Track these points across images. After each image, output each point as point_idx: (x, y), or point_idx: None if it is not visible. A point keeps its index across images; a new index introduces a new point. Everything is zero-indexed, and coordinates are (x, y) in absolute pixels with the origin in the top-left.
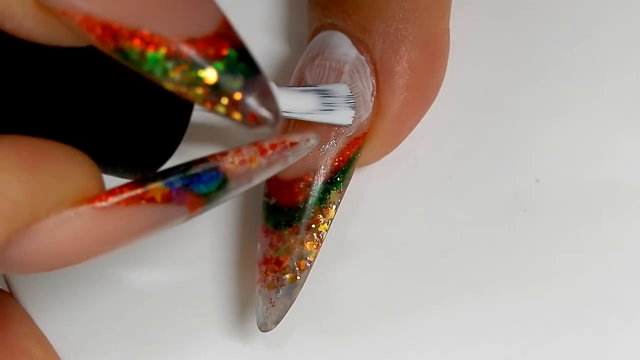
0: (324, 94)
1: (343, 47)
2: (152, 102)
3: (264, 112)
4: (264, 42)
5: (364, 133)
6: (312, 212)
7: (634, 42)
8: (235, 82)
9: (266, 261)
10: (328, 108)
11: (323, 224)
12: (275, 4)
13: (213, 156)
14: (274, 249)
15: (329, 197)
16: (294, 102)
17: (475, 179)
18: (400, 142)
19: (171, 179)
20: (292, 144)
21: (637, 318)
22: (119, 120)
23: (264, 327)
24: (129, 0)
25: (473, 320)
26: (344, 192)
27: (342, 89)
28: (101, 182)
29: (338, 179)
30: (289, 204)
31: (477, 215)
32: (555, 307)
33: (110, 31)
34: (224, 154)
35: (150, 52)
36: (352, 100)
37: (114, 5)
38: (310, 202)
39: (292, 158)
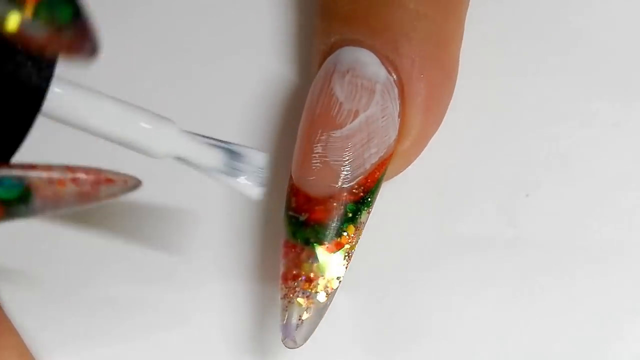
0: (233, 155)
1: (373, 66)
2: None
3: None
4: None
5: (390, 154)
6: (344, 231)
7: (627, 62)
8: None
9: (294, 277)
10: (231, 172)
11: (353, 243)
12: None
13: (22, 165)
14: (303, 266)
15: (360, 217)
16: (196, 154)
17: (464, 194)
18: (414, 160)
19: None
20: (108, 180)
21: (623, 336)
22: None
23: (291, 344)
24: None
25: (463, 332)
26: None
27: (257, 157)
28: None
29: (368, 199)
30: (319, 221)
31: (467, 230)
32: (544, 322)
33: None
34: (33, 166)
35: None
36: (262, 173)
37: None
38: (343, 220)
39: (105, 195)
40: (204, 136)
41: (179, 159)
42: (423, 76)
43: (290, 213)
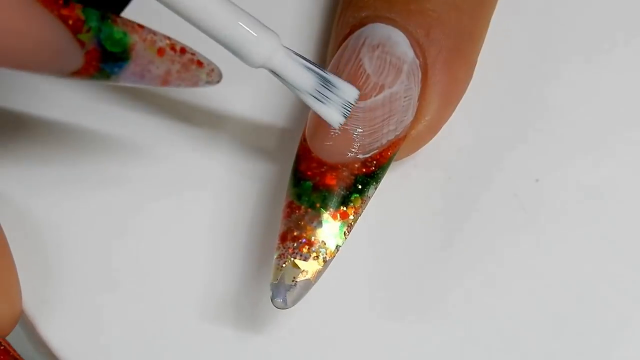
0: (327, 83)
1: (402, 45)
2: None
3: None
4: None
5: (405, 135)
6: (351, 201)
7: (631, 49)
8: None
9: (294, 238)
10: (320, 97)
11: (356, 215)
12: None
13: (131, 22)
14: (305, 229)
15: (367, 191)
16: (292, 72)
17: (474, 178)
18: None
19: (90, 10)
20: (199, 63)
21: (637, 317)
22: None
23: (281, 305)
24: None
25: (472, 319)
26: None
27: (350, 92)
28: None
29: (378, 174)
30: (328, 187)
31: (477, 215)
32: (555, 306)
33: None
34: (141, 26)
35: None
36: (349, 107)
37: None
38: (352, 190)
39: (189, 78)
40: (302, 57)
41: (273, 72)
42: (447, 66)
43: (299, 175)
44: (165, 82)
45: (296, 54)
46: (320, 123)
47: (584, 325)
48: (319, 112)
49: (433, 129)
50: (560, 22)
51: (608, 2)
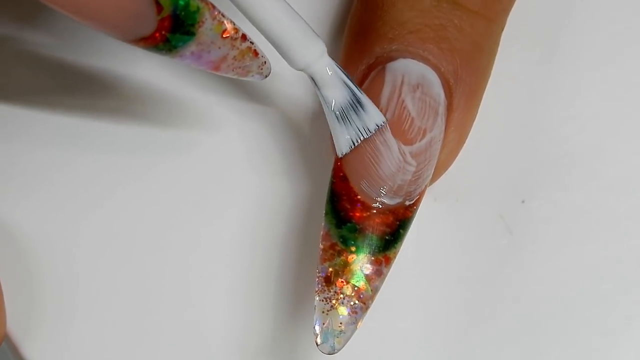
0: (357, 103)
1: (437, 86)
2: None
3: None
4: None
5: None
6: (394, 247)
7: (619, 73)
8: None
9: (340, 283)
10: (342, 117)
11: (395, 257)
12: None
13: (206, 0)
14: (354, 274)
15: (405, 233)
16: (327, 83)
17: (460, 200)
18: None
19: None
20: (255, 52)
21: (622, 342)
22: None
23: (329, 350)
24: None
25: (458, 341)
26: None
27: (376, 116)
28: None
29: (414, 216)
30: (375, 232)
31: (463, 236)
32: (541, 329)
33: None
34: (213, 5)
35: None
36: (367, 134)
37: None
38: (397, 236)
39: (241, 67)
40: (343, 71)
41: (311, 78)
42: (467, 106)
43: (342, 216)
44: (217, 67)
45: (338, 67)
46: (368, 163)
47: (570, 348)
48: (333, 131)
49: (445, 168)
50: (553, 45)
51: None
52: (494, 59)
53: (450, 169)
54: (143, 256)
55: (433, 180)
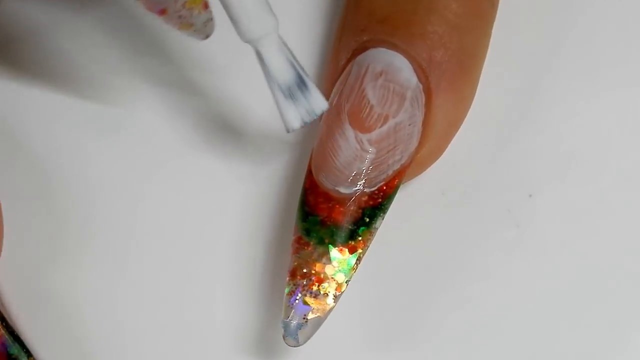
0: (303, 86)
1: (405, 72)
2: None
3: None
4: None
5: (410, 161)
6: (360, 235)
7: (622, 71)
8: None
9: (303, 275)
10: (289, 96)
11: (364, 248)
12: None
13: None
14: (314, 265)
15: (375, 223)
16: (273, 60)
17: (468, 194)
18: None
19: None
20: (205, 5)
21: (629, 335)
22: None
23: (293, 343)
24: None
25: (465, 336)
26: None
27: (319, 103)
28: None
29: (385, 205)
30: (336, 222)
31: (470, 231)
32: (548, 322)
33: None
34: None
35: None
36: (313, 117)
37: None
38: (359, 224)
39: (190, 13)
40: (291, 52)
41: (257, 52)
42: (451, 87)
43: (306, 209)
44: (164, 11)
45: (286, 46)
46: (327, 155)
47: (577, 342)
48: (280, 108)
49: (438, 151)
50: (560, 37)
51: (609, 20)
52: (484, 39)
53: (457, 162)
54: (142, 256)
55: (430, 162)
